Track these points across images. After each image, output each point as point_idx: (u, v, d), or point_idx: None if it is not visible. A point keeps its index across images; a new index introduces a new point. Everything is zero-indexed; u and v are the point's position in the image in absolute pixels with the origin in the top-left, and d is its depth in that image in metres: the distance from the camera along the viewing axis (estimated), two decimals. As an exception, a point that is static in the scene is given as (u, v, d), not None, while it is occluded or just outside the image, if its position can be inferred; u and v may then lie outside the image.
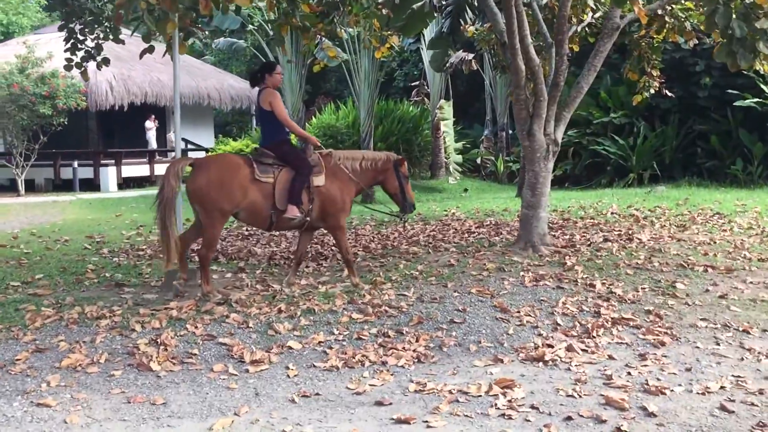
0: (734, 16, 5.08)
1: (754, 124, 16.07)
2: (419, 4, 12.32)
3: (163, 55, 7.24)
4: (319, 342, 4.73)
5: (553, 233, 8.63)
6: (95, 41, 7.99)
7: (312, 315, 5.25)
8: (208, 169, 5.74)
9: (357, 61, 14.66)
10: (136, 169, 20.21)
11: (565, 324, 5.13)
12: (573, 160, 18.30)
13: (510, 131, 20.31)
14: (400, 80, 25.67)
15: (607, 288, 6.02)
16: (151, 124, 22.97)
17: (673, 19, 9.83)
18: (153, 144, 22.61)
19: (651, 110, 17.96)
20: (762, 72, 10.41)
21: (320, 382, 4.11)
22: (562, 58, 7.37)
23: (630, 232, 8.65)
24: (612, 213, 10.54)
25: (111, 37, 7.89)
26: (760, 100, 15.39)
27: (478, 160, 19.69)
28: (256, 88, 6.27)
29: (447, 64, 15.47)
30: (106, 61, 7.98)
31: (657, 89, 11.37)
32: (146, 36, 6.79)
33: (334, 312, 5.33)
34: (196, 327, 4.90)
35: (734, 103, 15.64)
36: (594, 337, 4.86)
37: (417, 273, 6.64)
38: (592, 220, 9.82)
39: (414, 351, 4.59)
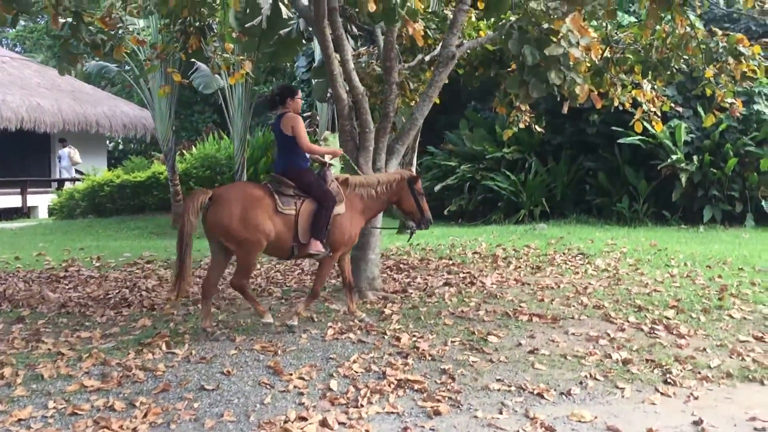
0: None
1: (641, 162, 16.04)
2: (286, 30, 11.72)
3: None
4: (20, 420, 3.88)
5: (395, 275, 8.02)
6: None
7: (38, 382, 4.41)
8: (229, 203, 5.40)
9: (232, 88, 13.89)
10: (5, 199, 18.78)
11: (339, 389, 4.44)
12: (468, 195, 17.90)
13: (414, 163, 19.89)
14: (306, 110, 25.04)
15: (413, 342, 5.38)
16: (67, 152, 21.37)
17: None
18: (66, 174, 20.93)
19: (543, 146, 17.83)
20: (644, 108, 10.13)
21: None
22: (391, 86, 6.81)
23: (479, 274, 8.11)
24: (474, 253, 10.03)
25: None
26: (644, 137, 15.35)
27: (374, 194, 19.17)
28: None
29: (329, 94, 14.88)
30: None
31: (526, 124, 11.07)
32: None
33: (69, 378, 4.49)
34: None
35: (619, 141, 15.55)
36: (362, 406, 4.17)
37: (213, 324, 5.86)
38: (449, 261, 9.27)
39: (132, 430, 3.79)
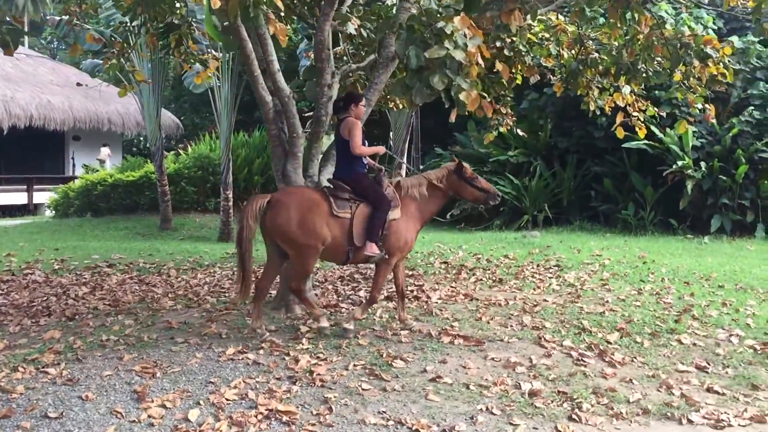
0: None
1: (649, 168, 15.32)
2: (265, 29, 11.42)
3: None
4: None
5: (339, 286, 7.66)
6: None
7: None
8: (287, 207, 5.53)
9: (220, 86, 13.64)
10: (10, 196, 18.91)
11: (196, 420, 4.07)
12: (473, 199, 17.35)
13: (419, 165, 19.55)
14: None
15: (311, 365, 5.00)
16: (107, 151, 21.57)
17: (512, 54, 9.05)
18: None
19: (550, 150, 17.25)
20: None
21: None
22: (322, 89, 6.43)
23: (432, 287, 7.69)
24: (443, 262, 9.59)
25: None
26: (651, 142, 14.67)
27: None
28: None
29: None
30: None
31: (509, 127, 10.58)
32: None
33: None
34: None
35: (623, 145, 14.81)
36: (209, 441, 3.81)
37: (115, 339, 5.59)
38: (411, 271, 8.85)
39: (-56, 462, 3.51)
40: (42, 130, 20.32)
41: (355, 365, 5.05)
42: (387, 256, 5.82)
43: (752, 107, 14.26)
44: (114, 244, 12.25)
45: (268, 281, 5.87)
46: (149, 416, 4.08)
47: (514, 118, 10.56)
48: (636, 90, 8.58)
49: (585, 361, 5.27)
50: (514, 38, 9.17)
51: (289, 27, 8.59)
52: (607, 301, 7.21)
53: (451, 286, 7.79)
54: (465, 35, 4.07)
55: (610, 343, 5.75)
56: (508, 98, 10.33)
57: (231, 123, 13.32)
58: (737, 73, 9.80)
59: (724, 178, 14.00)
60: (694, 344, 5.81)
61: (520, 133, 10.96)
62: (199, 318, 6.30)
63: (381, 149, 6.17)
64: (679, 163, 14.05)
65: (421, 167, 20.23)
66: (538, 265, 9.43)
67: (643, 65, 7.48)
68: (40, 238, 13.06)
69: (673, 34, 6.93)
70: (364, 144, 5.79)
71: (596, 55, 8.38)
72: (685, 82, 7.21)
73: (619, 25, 7.11)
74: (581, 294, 7.55)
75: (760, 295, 7.69)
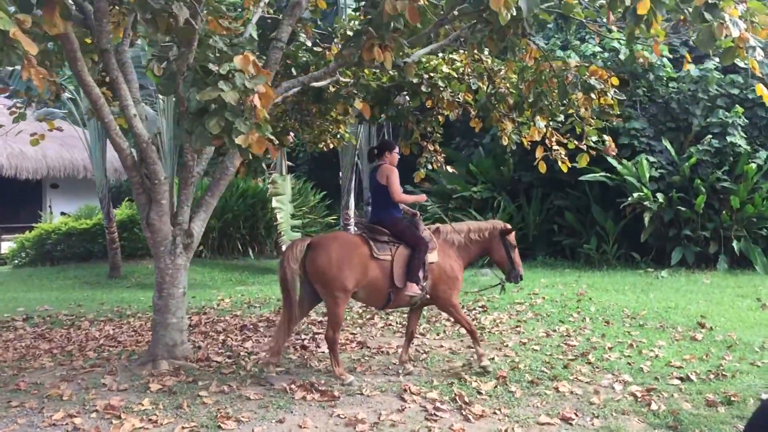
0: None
1: (610, 201, 14.94)
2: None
3: None
4: None
5: (229, 337, 7.32)
6: None
7: None
8: (328, 249, 5.64)
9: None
10: (-22, 247, 18.80)
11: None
12: (438, 237, 17.03)
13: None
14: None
15: (135, 429, 4.65)
16: None
17: (430, 89, 8.85)
18: None
19: (514, 184, 16.94)
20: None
21: None
22: (183, 131, 6.19)
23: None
24: (361, 306, 9.24)
25: None
26: (608, 174, 14.34)
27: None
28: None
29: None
30: None
31: (439, 165, 10.30)
32: None
33: None
34: None
35: (580, 178, 14.46)
36: None
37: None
38: (323, 317, 8.51)
39: None
40: (15, 180, 20.31)
41: (183, 428, 4.71)
42: (428, 295, 5.88)
43: (710, 135, 13.92)
44: (53, 295, 12.00)
45: (293, 324, 5.90)
46: None
47: (444, 156, 10.29)
48: (550, 123, 8.29)
49: (438, 416, 4.90)
50: (432, 74, 9.01)
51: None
52: (507, 346, 6.84)
53: (351, 333, 7.44)
54: (246, 75, 3.83)
55: (481, 394, 5.37)
56: (437, 135, 10.09)
57: (173, 167, 13.09)
58: (649, 102, 9.51)
59: (684, 209, 13.59)
60: (572, 392, 5.42)
61: (450, 170, 10.65)
62: (57, 377, 5.97)
63: (422, 197, 6.28)
64: (636, 194, 13.67)
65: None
66: (463, 308, 9.05)
67: (544, 98, 7.20)
68: (-18, 290, 12.84)
69: (559, 66, 6.67)
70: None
71: (504, 89, 8.13)
72: (578, 113, 6.92)
73: (510, 58, 6.88)
74: (485, 338, 7.17)
75: (677, 334, 7.28)
